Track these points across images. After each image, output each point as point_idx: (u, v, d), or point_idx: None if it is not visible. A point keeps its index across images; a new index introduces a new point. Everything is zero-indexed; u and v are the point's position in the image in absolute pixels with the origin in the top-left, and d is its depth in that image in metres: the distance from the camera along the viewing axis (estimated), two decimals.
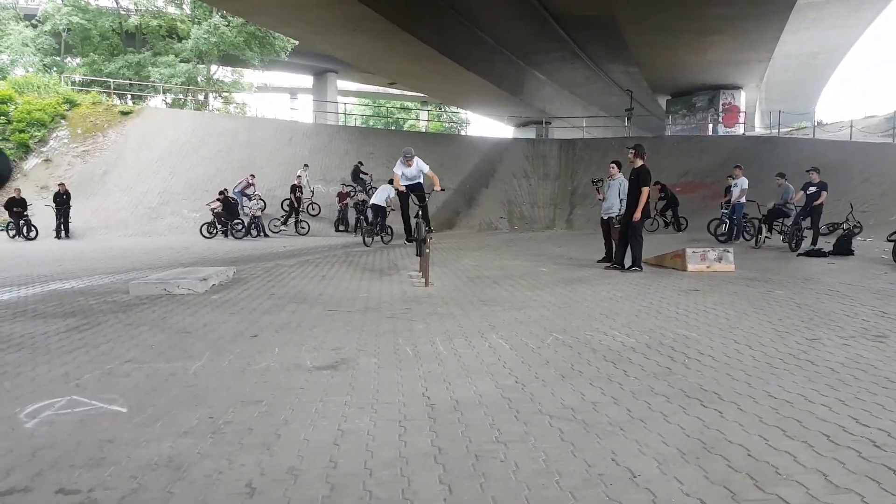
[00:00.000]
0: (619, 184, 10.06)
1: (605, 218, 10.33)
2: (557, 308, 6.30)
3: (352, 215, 20.41)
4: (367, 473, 2.56)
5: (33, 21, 33.13)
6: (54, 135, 22.94)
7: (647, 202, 9.04)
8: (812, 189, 12.00)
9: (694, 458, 2.69)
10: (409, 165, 8.89)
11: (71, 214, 18.43)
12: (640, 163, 9.02)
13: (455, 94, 35.36)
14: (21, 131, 22.15)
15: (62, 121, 23.47)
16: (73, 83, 28.76)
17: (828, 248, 11.18)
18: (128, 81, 31.18)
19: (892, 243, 9.75)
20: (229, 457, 2.73)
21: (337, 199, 20.97)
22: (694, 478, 2.50)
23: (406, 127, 49.31)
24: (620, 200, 9.93)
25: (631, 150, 9.12)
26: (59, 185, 18.80)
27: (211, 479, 2.53)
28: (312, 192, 21.53)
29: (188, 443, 2.89)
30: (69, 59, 35.60)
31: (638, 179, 8.96)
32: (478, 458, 2.71)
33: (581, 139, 29.91)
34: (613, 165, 10.24)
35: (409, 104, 54.90)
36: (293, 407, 3.37)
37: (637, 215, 8.93)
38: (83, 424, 3.15)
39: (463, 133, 44.48)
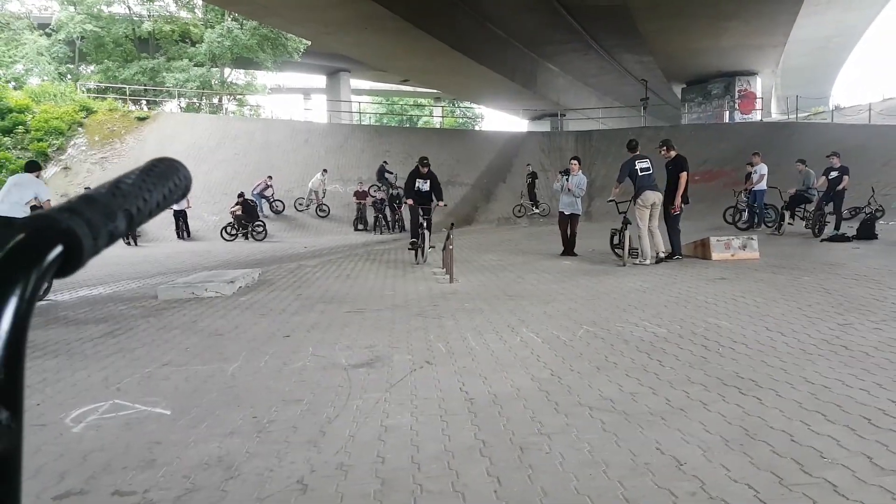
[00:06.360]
0: (578, 180, 10.24)
1: (567, 213, 10.39)
2: (585, 300, 6.30)
3: (370, 214, 20.53)
4: (415, 468, 2.60)
5: (47, 30, 33.49)
6: (72, 142, 23.19)
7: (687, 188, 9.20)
8: (834, 174, 11.88)
9: (737, 444, 2.70)
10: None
11: None
12: (673, 153, 9.32)
13: (468, 88, 35.25)
14: (39, 140, 22.40)
15: (79, 128, 23.71)
16: (89, 90, 29.07)
17: (851, 232, 11.05)
18: (143, 87, 31.46)
19: None
20: (278, 455, 2.78)
21: (354, 198, 21.03)
22: (740, 464, 2.51)
23: (420, 124, 49.25)
24: (579, 198, 10.29)
25: (662, 147, 9.44)
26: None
27: (262, 476, 2.58)
28: (324, 193, 21.71)
29: (236, 442, 2.94)
30: (84, 66, 35.94)
31: (675, 167, 9.19)
32: (522, 450, 2.73)
33: (597, 130, 29.68)
34: (574, 162, 10.44)
35: (423, 101, 54.85)
36: (334, 404, 3.42)
37: (678, 201, 9.12)
38: (129, 427, 3.21)
39: (477, 128, 44.32)
